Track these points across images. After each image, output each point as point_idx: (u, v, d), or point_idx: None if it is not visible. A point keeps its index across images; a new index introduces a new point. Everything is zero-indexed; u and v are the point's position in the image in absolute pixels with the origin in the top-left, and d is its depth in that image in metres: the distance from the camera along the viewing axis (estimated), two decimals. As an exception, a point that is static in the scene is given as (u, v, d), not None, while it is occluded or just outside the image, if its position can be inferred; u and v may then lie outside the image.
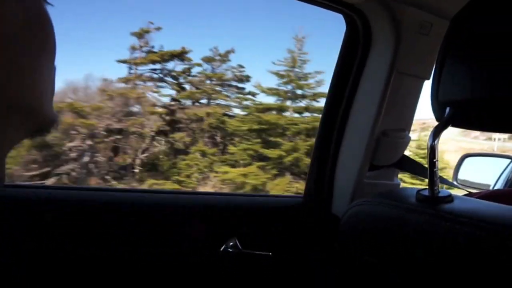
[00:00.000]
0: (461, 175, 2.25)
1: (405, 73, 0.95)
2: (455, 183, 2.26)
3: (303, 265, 1.06)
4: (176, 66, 9.01)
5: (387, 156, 1.03)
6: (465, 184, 2.16)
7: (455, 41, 0.65)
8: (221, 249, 0.98)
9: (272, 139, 8.75)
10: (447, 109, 0.67)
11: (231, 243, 0.99)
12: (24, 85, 0.27)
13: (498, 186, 2.12)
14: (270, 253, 1.02)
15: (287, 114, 9.19)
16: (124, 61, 8.66)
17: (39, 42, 0.28)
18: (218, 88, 9.27)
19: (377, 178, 1.06)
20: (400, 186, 1.15)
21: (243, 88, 9.40)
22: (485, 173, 2.20)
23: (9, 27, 0.25)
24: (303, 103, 9.26)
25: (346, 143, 1.06)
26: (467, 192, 1.14)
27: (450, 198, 0.71)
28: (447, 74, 0.65)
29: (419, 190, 0.77)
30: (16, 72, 0.26)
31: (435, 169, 0.73)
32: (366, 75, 1.00)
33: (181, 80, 9.12)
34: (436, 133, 0.72)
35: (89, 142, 7.81)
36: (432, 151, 0.72)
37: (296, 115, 9.30)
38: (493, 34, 0.60)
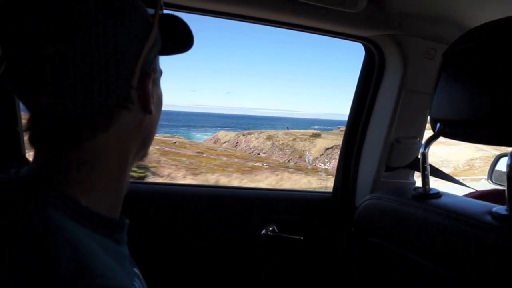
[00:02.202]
0: (496, 173, 2.33)
1: (413, 91, 1.15)
2: (489, 181, 2.35)
3: (329, 247, 1.30)
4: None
5: (400, 159, 1.22)
6: (499, 182, 2.24)
7: (445, 71, 0.84)
8: (262, 232, 1.24)
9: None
10: (438, 124, 0.87)
11: (270, 228, 1.25)
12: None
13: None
14: (302, 237, 1.27)
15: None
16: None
17: None
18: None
19: (392, 177, 1.26)
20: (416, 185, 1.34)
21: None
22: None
23: None
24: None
25: (366, 149, 1.28)
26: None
27: (438, 194, 0.91)
28: (438, 97, 0.85)
29: (415, 188, 0.98)
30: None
31: (426, 172, 0.93)
32: (381, 92, 1.20)
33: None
34: (427, 143, 0.92)
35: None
36: (423, 157, 0.93)
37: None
38: (474, 66, 0.78)
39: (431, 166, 1.26)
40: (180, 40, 0.54)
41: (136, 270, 0.50)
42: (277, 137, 19.60)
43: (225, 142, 21.78)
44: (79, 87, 0.40)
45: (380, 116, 1.22)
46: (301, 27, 1.07)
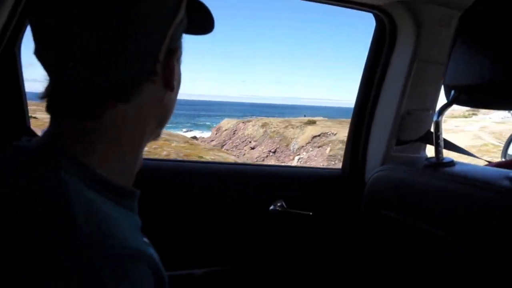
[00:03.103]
0: (511, 152, 2.30)
1: (427, 61, 1.11)
2: (503, 159, 2.30)
3: (338, 223, 1.28)
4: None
5: (411, 132, 1.19)
6: (513, 160, 2.20)
7: (461, 36, 0.81)
8: (271, 208, 1.23)
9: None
10: (452, 92, 0.84)
11: (278, 204, 1.24)
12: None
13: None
14: (311, 213, 1.25)
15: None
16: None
17: None
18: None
19: (403, 151, 1.23)
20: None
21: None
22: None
23: None
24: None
25: (376, 122, 1.25)
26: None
27: (452, 163, 0.89)
28: (453, 64, 0.82)
29: (427, 158, 0.95)
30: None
31: (439, 141, 0.91)
32: (392, 64, 1.17)
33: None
34: (441, 111, 0.89)
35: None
36: (436, 126, 0.90)
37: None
38: (491, 30, 0.75)
39: (443, 139, 1.23)
40: (202, 23, 0.54)
41: (146, 239, 0.49)
42: (271, 124, 19.30)
43: (225, 130, 21.70)
44: (107, 55, 0.40)
45: (391, 88, 1.18)
46: (310, -6, 1.03)
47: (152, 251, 0.46)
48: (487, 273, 0.73)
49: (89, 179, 0.41)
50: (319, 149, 15.46)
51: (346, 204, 1.30)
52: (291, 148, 16.66)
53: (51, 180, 0.38)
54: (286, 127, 18.44)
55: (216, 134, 22.01)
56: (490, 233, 0.69)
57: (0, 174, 0.40)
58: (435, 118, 0.89)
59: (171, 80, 0.47)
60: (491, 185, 0.71)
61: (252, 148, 17.90)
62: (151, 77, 0.44)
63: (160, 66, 0.45)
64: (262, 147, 17.74)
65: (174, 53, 0.46)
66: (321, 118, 21.26)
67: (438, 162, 0.89)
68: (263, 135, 18.69)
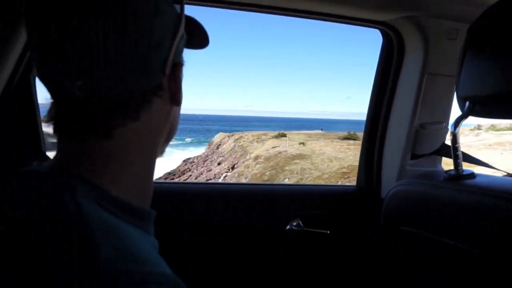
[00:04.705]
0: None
1: (436, 74, 1.11)
2: None
3: (358, 240, 1.26)
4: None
5: (426, 146, 1.18)
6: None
7: (471, 47, 0.81)
8: (287, 227, 1.21)
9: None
10: (467, 103, 0.83)
11: (295, 223, 1.22)
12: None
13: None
14: (328, 232, 1.23)
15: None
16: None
17: None
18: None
19: (419, 165, 1.22)
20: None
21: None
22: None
23: None
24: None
25: (389, 137, 1.24)
26: None
27: (472, 175, 0.87)
28: (465, 75, 0.82)
29: (447, 171, 0.94)
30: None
31: (457, 152, 0.89)
32: (402, 78, 1.17)
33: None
34: (457, 123, 0.89)
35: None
36: (454, 138, 0.89)
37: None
38: (502, 39, 0.75)
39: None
40: (199, 38, 0.55)
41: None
42: (242, 138, 18.79)
43: (215, 144, 21.53)
44: (116, 69, 0.39)
45: (402, 103, 1.18)
46: (316, 14, 1.05)
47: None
48: None
49: (106, 201, 0.40)
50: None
51: (363, 221, 1.28)
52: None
53: (69, 205, 0.36)
54: (252, 141, 17.97)
55: (208, 148, 21.97)
56: None
57: (15, 200, 0.39)
58: (451, 130, 0.89)
59: (178, 94, 0.47)
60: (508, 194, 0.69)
61: (219, 164, 17.21)
62: (159, 91, 0.44)
63: (166, 81, 0.44)
64: (226, 163, 16.98)
65: (179, 66, 0.46)
66: (318, 131, 20.95)
67: (458, 175, 0.87)
68: (231, 149, 18.17)
